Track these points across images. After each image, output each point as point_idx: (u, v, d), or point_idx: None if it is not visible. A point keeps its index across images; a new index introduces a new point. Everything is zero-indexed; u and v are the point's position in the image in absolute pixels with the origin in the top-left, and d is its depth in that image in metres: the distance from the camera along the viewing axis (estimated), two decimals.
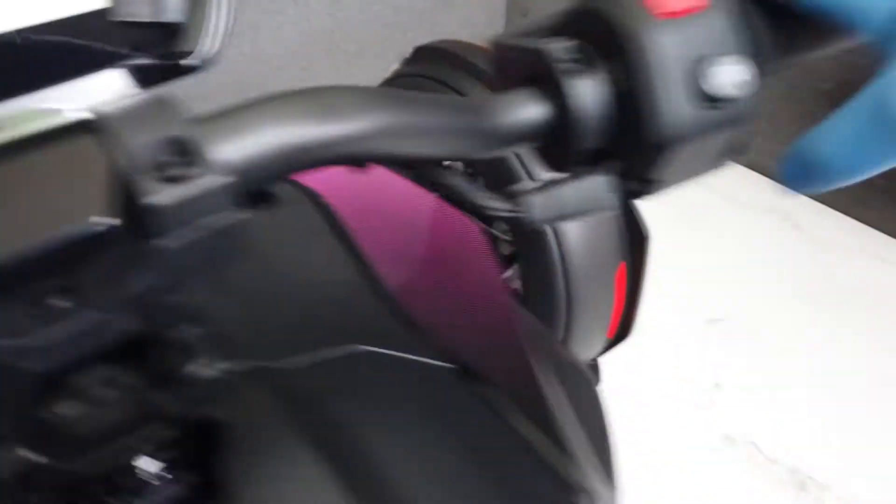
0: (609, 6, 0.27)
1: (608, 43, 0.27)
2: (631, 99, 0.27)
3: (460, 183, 0.30)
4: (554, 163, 0.31)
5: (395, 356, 0.34)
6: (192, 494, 0.27)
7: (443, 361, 0.35)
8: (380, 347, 0.34)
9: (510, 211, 0.30)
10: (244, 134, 0.23)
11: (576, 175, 0.29)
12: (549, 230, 1.08)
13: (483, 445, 0.32)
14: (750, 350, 1.53)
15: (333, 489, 0.26)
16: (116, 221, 0.21)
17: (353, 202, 0.49)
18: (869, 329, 1.58)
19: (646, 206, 1.78)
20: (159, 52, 0.28)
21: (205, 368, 0.25)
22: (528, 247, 1.12)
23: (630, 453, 1.32)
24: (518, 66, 0.29)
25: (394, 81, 1.28)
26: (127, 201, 0.20)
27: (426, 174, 0.31)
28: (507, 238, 1.24)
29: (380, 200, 0.49)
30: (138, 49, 0.28)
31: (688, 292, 1.65)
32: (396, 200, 0.47)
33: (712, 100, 0.27)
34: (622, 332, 1.22)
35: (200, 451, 0.27)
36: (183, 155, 0.21)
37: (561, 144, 0.29)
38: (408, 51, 1.29)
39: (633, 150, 0.28)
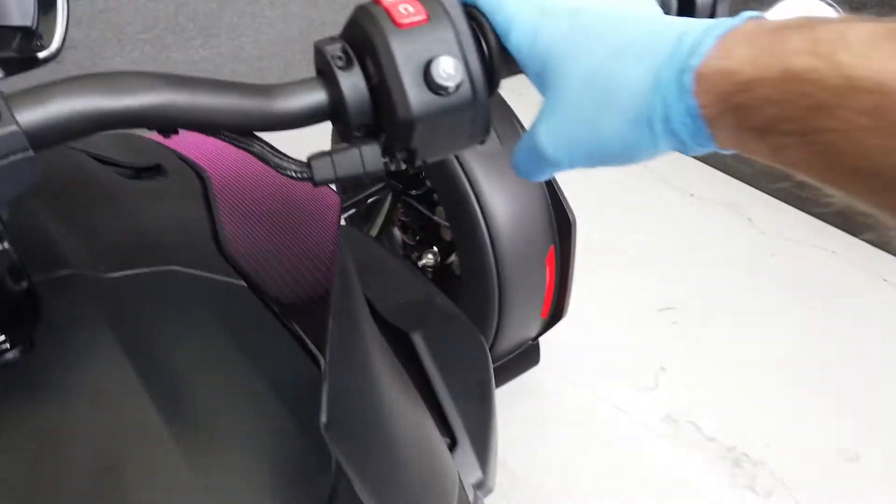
0: (365, 18, 0.36)
1: (365, 45, 0.36)
2: (382, 87, 0.35)
3: (262, 150, 0.38)
4: (342, 136, 0.39)
5: (202, 276, 0.42)
6: (9, 370, 0.35)
7: (241, 281, 0.43)
8: (193, 270, 0.42)
9: (297, 172, 0.38)
10: (44, 102, 0.31)
11: (355, 145, 0.38)
12: (479, 216, 1.15)
13: (249, 335, 0.40)
14: (697, 337, 1.59)
15: (124, 370, 0.33)
16: None
17: (231, 174, 0.58)
18: (813, 319, 1.64)
19: (604, 199, 1.85)
20: (19, 49, 0.36)
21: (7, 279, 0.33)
22: (461, 232, 1.19)
23: (574, 432, 1.39)
24: (317, 60, 0.38)
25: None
26: None
27: (240, 143, 0.39)
28: (448, 225, 1.31)
29: (255, 172, 0.58)
30: (2, 46, 0.36)
31: (642, 282, 1.71)
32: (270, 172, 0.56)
33: (436, 89, 0.35)
34: (556, 312, 1.28)
35: (19, 334, 0.35)
36: None
37: (341, 122, 0.37)
38: None
39: (392, 127, 0.36)
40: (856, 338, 1.59)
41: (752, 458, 1.37)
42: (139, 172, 0.55)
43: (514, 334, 1.26)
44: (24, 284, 0.35)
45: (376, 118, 0.37)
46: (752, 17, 0.31)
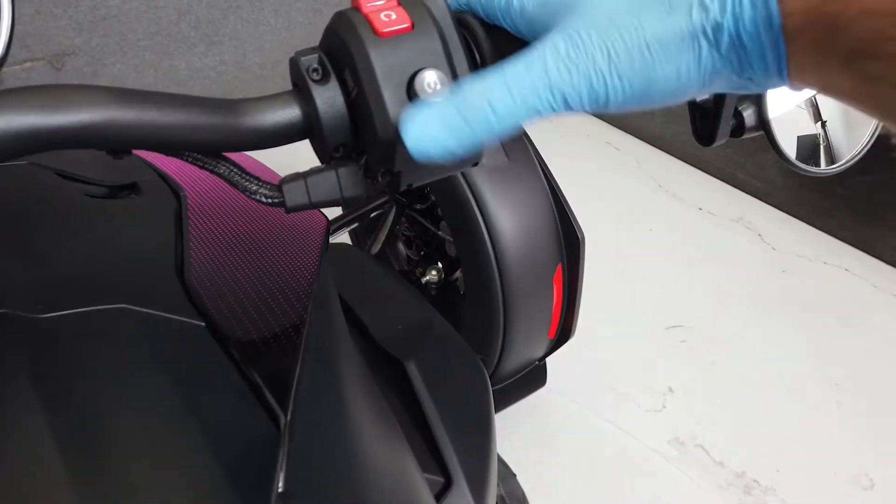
0: (343, 26, 0.32)
1: (343, 56, 0.32)
2: (361, 102, 0.32)
3: (230, 172, 0.34)
4: (319, 156, 0.35)
5: (154, 315, 0.38)
6: None
7: (200, 321, 0.39)
8: (148, 308, 0.38)
9: (268, 196, 0.34)
10: None
11: (332, 167, 0.34)
12: (484, 232, 1.11)
13: (199, 386, 0.36)
14: (705, 356, 1.55)
15: (37, 428, 0.30)
16: None
17: (209, 192, 0.54)
18: (825, 337, 1.60)
19: (612, 214, 1.81)
20: None
21: None
22: (465, 248, 1.15)
23: (581, 455, 1.34)
24: (292, 73, 0.34)
25: None
26: None
27: (204, 164, 0.35)
28: (452, 240, 1.27)
29: (234, 193, 0.54)
30: None
31: (650, 299, 1.68)
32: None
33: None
34: (563, 332, 1.24)
35: None
36: None
37: (317, 141, 0.34)
38: None
39: (372, 147, 0.33)
40: (869, 357, 1.55)
41: (762, 484, 1.32)
42: (112, 191, 0.52)
43: (519, 354, 1.23)
44: None
45: (355, 137, 0.33)
46: None
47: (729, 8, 0.26)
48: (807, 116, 0.75)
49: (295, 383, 0.33)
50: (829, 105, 0.74)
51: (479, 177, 1.13)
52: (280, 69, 2.22)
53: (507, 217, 1.12)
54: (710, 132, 0.44)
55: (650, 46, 0.27)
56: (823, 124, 0.75)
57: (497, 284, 1.13)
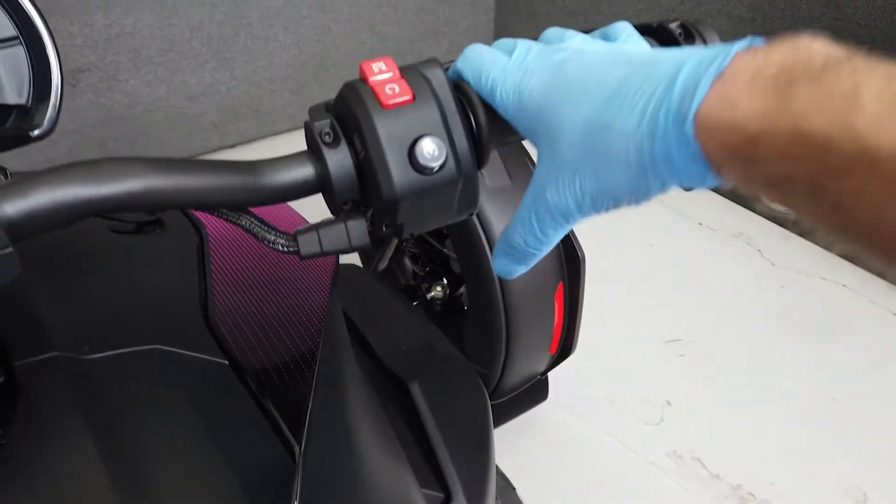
0: (352, 97, 0.36)
1: (352, 122, 0.36)
2: (367, 164, 0.36)
3: (251, 224, 0.39)
4: (330, 208, 0.39)
5: (184, 355, 0.42)
6: None
7: (223, 360, 0.43)
8: (177, 348, 0.42)
9: (285, 245, 0.38)
10: (26, 196, 0.32)
11: (342, 220, 0.38)
12: (487, 251, 1.15)
13: (224, 421, 0.40)
14: (703, 369, 1.58)
15: (91, 463, 0.34)
16: None
17: (226, 228, 0.58)
18: (822, 353, 1.62)
19: (612, 229, 1.85)
20: (14, 126, 0.37)
21: None
22: (469, 266, 1.19)
23: (580, 467, 1.38)
24: (307, 136, 0.38)
25: None
26: None
27: (229, 217, 0.39)
28: (456, 257, 1.31)
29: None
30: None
31: (649, 312, 1.71)
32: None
33: (421, 169, 0.35)
34: (564, 348, 1.28)
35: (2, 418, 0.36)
36: None
37: (328, 195, 0.38)
38: None
39: (378, 203, 0.37)
40: (865, 372, 1.58)
41: (757, 497, 1.35)
42: (138, 227, 0.56)
43: (521, 369, 1.26)
44: (6, 372, 0.36)
45: (363, 193, 0.37)
46: (744, 51, 0.29)
47: (661, 155, 0.31)
48: None
49: (308, 417, 0.37)
50: None
51: (483, 197, 1.16)
52: (289, 84, 2.27)
53: None
54: None
55: (610, 189, 0.33)
56: None
57: (499, 302, 1.16)
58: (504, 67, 0.37)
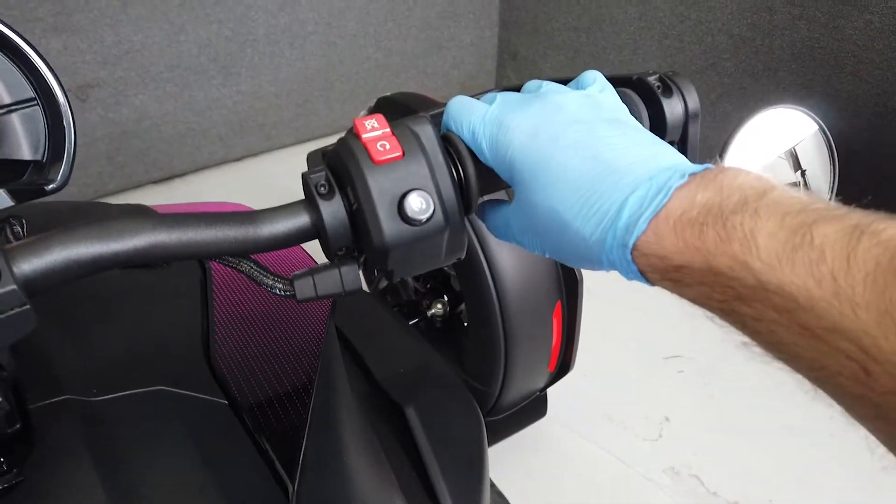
0: (346, 152, 0.38)
1: (345, 176, 0.38)
2: (360, 215, 0.38)
3: (251, 269, 0.41)
4: (325, 253, 0.42)
5: (186, 395, 0.45)
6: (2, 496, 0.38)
7: (223, 399, 0.46)
8: (180, 388, 0.45)
9: (282, 290, 0.40)
10: (41, 254, 0.34)
11: (336, 265, 0.40)
12: (486, 270, 1.17)
13: (223, 459, 0.42)
14: (702, 386, 1.59)
15: (95, 490, 0.36)
16: None
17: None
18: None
19: None
20: (29, 180, 0.40)
21: None
22: (468, 284, 1.21)
23: (578, 483, 1.39)
24: (304, 187, 0.41)
25: None
26: None
27: (229, 263, 0.41)
28: (456, 275, 1.33)
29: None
30: (14, 177, 0.40)
31: (648, 329, 1.72)
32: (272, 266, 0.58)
33: (409, 221, 0.38)
34: (563, 366, 1.29)
35: (16, 459, 0.38)
36: None
37: (323, 242, 0.40)
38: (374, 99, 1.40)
39: (369, 251, 0.39)
40: None
41: None
42: None
43: (520, 386, 1.28)
44: (21, 416, 0.39)
45: (356, 240, 0.40)
46: (681, 187, 0.34)
47: (607, 261, 0.37)
48: (787, 165, 0.80)
49: (301, 456, 0.39)
50: (808, 154, 0.79)
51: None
52: (294, 97, 2.30)
53: (508, 256, 1.18)
54: None
55: (565, 258, 0.40)
56: (803, 173, 0.80)
57: (498, 320, 1.18)
58: (483, 117, 0.40)
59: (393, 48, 2.40)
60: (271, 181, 2.25)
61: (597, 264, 0.38)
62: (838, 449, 1.46)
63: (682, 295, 0.35)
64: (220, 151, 2.26)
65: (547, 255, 0.41)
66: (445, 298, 1.42)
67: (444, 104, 0.44)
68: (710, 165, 0.36)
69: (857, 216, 0.29)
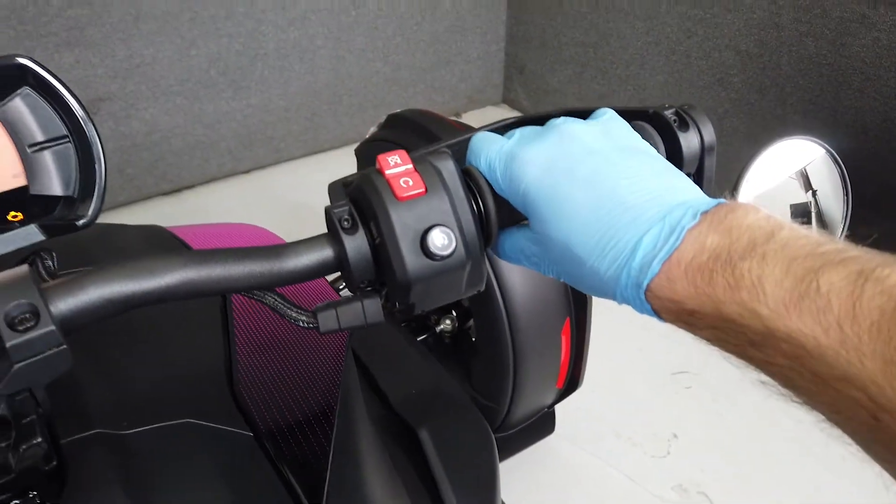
0: (369, 188, 0.39)
1: (368, 211, 0.39)
2: (382, 251, 0.39)
3: (275, 302, 0.41)
4: (347, 286, 0.42)
5: (212, 427, 0.45)
6: None
7: (248, 431, 0.47)
8: (206, 421, 0.45)
9: (305, 322, 0.41)
10: (76, 294, 0.34)
11: (358, 298, 0.41)
12: (495, 287, 1.17)
13: (248, 491, 0.43)
14: (710, 402, 1.59)
15: None
16: None
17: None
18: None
19: None
20: (60, 216, 0.40)
21: (34, 447, 0.37)
22: (478, 301, 1.21)
23: (585, 500, 1.39)
24: (327, 221, 0.41)
25: (370, 143, 1.40)
26: None
27: (254, 296, 0.42)
28: None
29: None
30: (46, 212, 0.40)
31: (656, 345, 1.72)
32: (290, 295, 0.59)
33: (431, 256, 0.38)
34: (571, 382, 1.29)
35: (49, 494, 0.38)
36: (29, 312, 0.32)
37: (346, 275, 0.40)
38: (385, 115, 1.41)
39: (391, 285, 0.40)
40: None
41: None
42: None
43: (528, 403, 1.28)
44: (55, 450, 0.39)
45: (378, 273, 0.40)
46: (693, 228, 0.35)
47: (621, 298, 0.37)
48: (798, 185, 0.80)
49: (326, 486, 0.39)
50: (819, 174, 0.79)
51: None
52: (302, 111, 2.31)
53: (518, 273, 1.18)
54: None
55: (580, 286, 0.40)
56: (814, 193, 0.80)
57: (507, 337, 1.18)
58: (499, 151, 0.41)
59: (401, 62, 2.42)
60: (279, 194, 2.26)
61: (611, 297, 0.38)
62: (849, 469, 1.46)
63: (696, 335, 0.35)
64: (228, 164, 2.27)
65: (560, 280, 0.41)
66: (454, 314, 1.43)
67: (459, 127, 0.45)
68: (722, 200, 0.36)
69: (863, 260, 0.30)
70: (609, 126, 0.41)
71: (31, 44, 1.78)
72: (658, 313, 0.36)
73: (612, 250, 0.36)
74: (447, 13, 2.43)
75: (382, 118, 1.41)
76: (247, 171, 2.33)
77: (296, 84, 2.26)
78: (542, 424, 1.36)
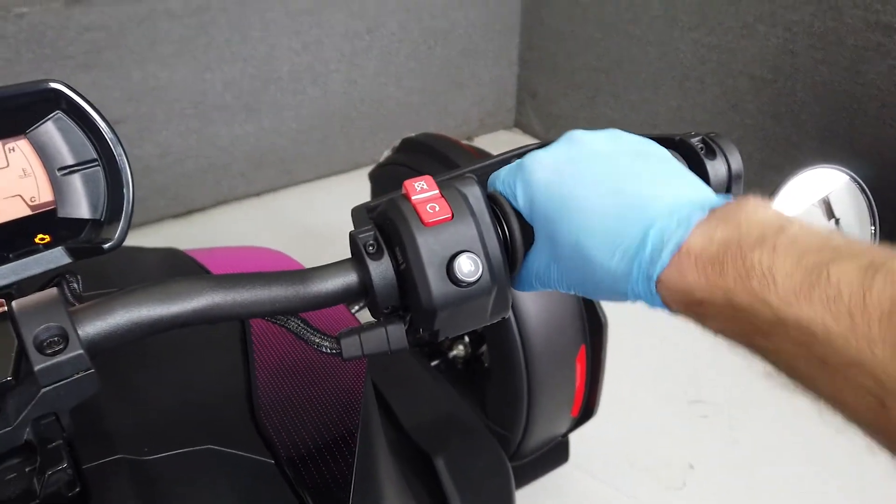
0: (396, 213, 0.39)
1: (394, 236, 0.38)
2: (408, 276, 0.38)
3: (298, 327, 0.41)
4: (371, 311, 0.42)
5: (234, 454, 0.44)
6: None
7: (269, 458, 0.46)
8: (228, 447, 0.44)
9: (329, 348, 0.40)
10: (104, 317, 0.34)
11: (382, 324, 0.40)
12: (510, 312, 1.16)
13: None
14: (727, 433, 1.56)
15: None
16: (10, 379, 0.32)
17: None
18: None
19: None
20: (87, 238, 0.40)
21: (59, 472, 0.36)
22: (492, 327, 1.20)
23: None
24: (352, 246, 0.41)
25: (384, 167, 1.40)
26: (22, 366, 0.32)
27: (277, 321, 0.41)
28: None
29: None
30: (73, 235, 0.40)
31: (672, 373, 1.70)
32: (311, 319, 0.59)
33: (458, 282, 0.37)
34: (586, 411, 1.27)
35: None
36: (58, 335, 0.32)
37: (370, 301, 0.40)
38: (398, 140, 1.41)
39: (416, 311, 0.39)
40: None
41: None
42: None
43: (542, 431, 1.26)
44: (78, 475, 0.38)
45: (403, 299, 0.39)
46: (702, 221, 0.35)
47: (632, 292, 0.37)
48: (820, 213, 0.79)
49: None
50: (842, 202, 0.78)
51: None
52: (315, 134, 2.32)
53: (532, 299, 1.17)
54: None
55: (589, 291, 0.40)
56: (837, 221, 0.79)
57: (521, 363, 1.17)
58: (514, 165, 0.42)
59: (413, 86, 2.43)
60: (290, 216, 2.26)
61: (622, 296, 0.38)
62: (869, 499, 1.42)
63: (704, 326, 0.36)
64: (240, 186, 2.28)
65: (571, 292, 0.41)
66: (467, 339, 1.41)
67: (473, 151, 0.45)
68: (730, 198, 0.37)
69: (874, 253, 0.30)
70: (617, 133, 0.42)
71: (50, 65, 1.80)
72: (668, 306, 0.36)
73: (622, 244, 0.36)
74: (460, 38, 2.44)
75: (397, 142, 1.42)
76: (258, 194, 2.33)
77: (308, 107, 2.27)
78: (556, 453, 1.33)
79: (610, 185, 0.38)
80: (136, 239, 1.98)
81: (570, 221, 0.38)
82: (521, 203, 0.41)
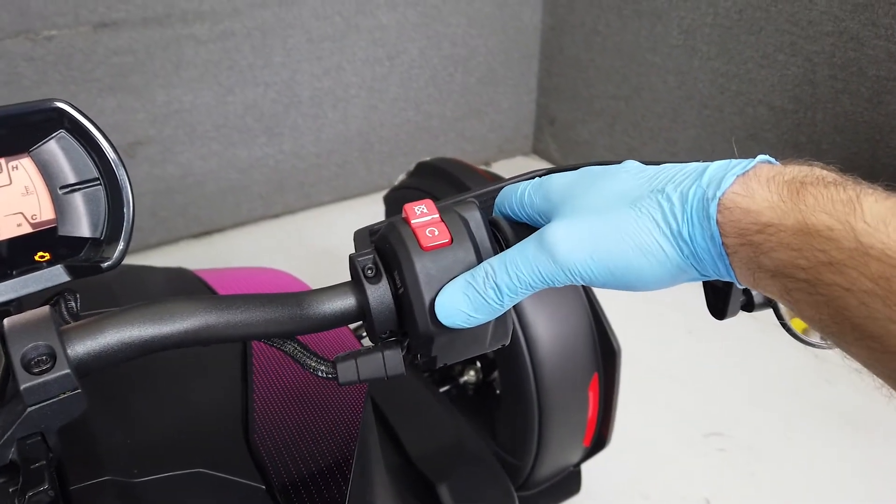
0: (394, 237, 0.38)
1: (393, 260, 0.38)
2: (406, 299, 0.38)
3: (294, 350, 0.41)
4: (368, 335, 0.41)
5: (225, 479, 0.44)
6: None
7: (261, 483, 0.45)
8: (219, 471, 0.44)
9: (325, 372, 0.40)
10: (95, 336, 0.34)
11: (379, 349, 0.40)
12: (521, 339, 1.15)
13: None
14: (744, 466, 1.53)
15: None
16: None
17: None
18: (868, 452, 1.56)
19: (648, 316, 1.83)
20: (86, 257, 0.40)
21: (40, 494, 0.36)
22: (503, 353, 1.19)
23: None
24: (351, 269, 0.40)
25: (398, 191, 1.41)
26: (9, 384, 0.32)
27: (274, 343, 0.41)
28: None
29: None
30: (73, 253, 0.41)
31: (688, 405, 1.67)
32: (312, 340, 0.58)
33: None
34: (599, 440, 1.25)
35: None
36: (46, 354, 0.32)
37: (368, 325, 0.39)
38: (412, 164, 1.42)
39: (413, 336, 0.38)
40: None
41: None
42: None
43: (554, 460, 1.24)
44: (63, 497, 0.38)
45: (400, 324, 0.39)
46: (765, 161, 0.33)
47: (686, 225, 0.33)
48: None
49: None
50: None
51: None
52: (334, 158, 2.35)
53: (544, 326, 1.16)
54: (722, 308, 0.49)
55: (623, 248, 0.34)
56: None
57: (533, 391, 1.15)
58: (529, 180, 0.42)
59: (432, 112, 2.45)
60: (308, 238, 2.28)
61: (660, 251, 0.33)
62: None
63: (760, 265, 0.31)
64: (259, 208, 2.30)
65: (594, 270, 0.34)
66: (478, 365, 1.40)
67: (488, 176, 0.45)
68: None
69: None
70: (634, 164, 0.40)
71: (76, 88, 1.85)
72: (724, 239, 0.32)
73: (674, 179, 0.34)
74: (480, 65, 2.46)
75: (412, 166, 1.42)
76: (277, 216, 2.35)
77: (328, 131, 2.30)
78: (568, 484, 1.31)
79: (646, 171, 0.37)
80: (154, 258, 2.02)
81: (595, 196, 0.36)
82: (539, 204, 0.39)
